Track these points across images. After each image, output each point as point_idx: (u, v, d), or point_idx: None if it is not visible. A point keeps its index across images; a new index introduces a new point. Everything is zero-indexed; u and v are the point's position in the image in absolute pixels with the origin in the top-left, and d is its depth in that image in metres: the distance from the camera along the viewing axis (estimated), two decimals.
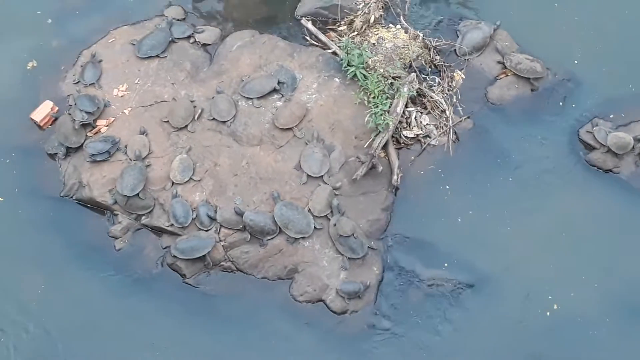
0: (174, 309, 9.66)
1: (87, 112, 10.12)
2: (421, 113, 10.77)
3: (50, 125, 10.41)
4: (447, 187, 10.40)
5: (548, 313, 9.77)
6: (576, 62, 11.12)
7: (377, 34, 11.13)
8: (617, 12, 11.47)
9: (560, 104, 10.89)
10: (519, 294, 9.87)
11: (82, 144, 10.16)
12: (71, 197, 10.12)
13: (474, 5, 11.56)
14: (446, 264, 9.96)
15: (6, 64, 10.83)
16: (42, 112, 10.34)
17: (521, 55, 11.02)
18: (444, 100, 10.80)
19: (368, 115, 10.16)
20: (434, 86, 10.92)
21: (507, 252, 10.06)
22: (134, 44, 10.83)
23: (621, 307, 9.81)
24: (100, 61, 10.71)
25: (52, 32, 11.08)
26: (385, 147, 10.39)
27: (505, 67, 11.02)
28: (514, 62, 10.94)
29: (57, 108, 10.41)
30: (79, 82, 10.58)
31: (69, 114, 10.27)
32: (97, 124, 10.27)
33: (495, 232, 10.16)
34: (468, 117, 10.81)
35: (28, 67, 10.76)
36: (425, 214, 10.25)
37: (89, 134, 10.24)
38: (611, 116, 10.79)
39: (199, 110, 10.39)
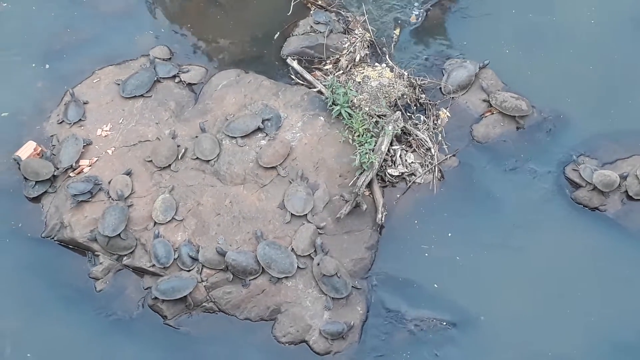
0: (154, 350, 9.52)
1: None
2: (406, 151, 10.73)
3: None
4: (432, 226, 10.31)
5: (534, 353, 9.62)
6: (562, 100, 11.08)
7: (363, 73, 11.13)
8: (604, 50, 11.45)
9: (546, 141, 10.85)
10: (505, 333, 9.72)
11: (53, 175, 10.10)
12: (52, 238, 10.04)
13: (459, 44, 11.57)
14: (431, 303, 9.85)
15: None
16: (25, 152, 10.29)
17: (506, 93, 10.99)
18: (429, 139, 10.77)
19: (355, 154, 10.09)
20: (419, 124, 10.89)
21: (493, 291, 9.93)
22: (118, 84, 10.84)
23: (609, 346, 9.67)
24: (86, 102, 10.70)
25: (38, 74, 11.06)
26: (369, 185, 10.33)
27: (490, 106, 10.99)
28: (499, 100, 10.91)
29: (40, 148, 10.37)
30: (62, 121, 10.57)
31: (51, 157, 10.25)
32: (79, 164, 10.22)
33: (480, 271, 10.03)
34: (453, 155, 10.76)
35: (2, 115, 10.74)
36: (410, 252, 10.15)
37: (71, 174, 10.19)
38: (597, 154, 10.73)
39: (183, 150, 10.36)
